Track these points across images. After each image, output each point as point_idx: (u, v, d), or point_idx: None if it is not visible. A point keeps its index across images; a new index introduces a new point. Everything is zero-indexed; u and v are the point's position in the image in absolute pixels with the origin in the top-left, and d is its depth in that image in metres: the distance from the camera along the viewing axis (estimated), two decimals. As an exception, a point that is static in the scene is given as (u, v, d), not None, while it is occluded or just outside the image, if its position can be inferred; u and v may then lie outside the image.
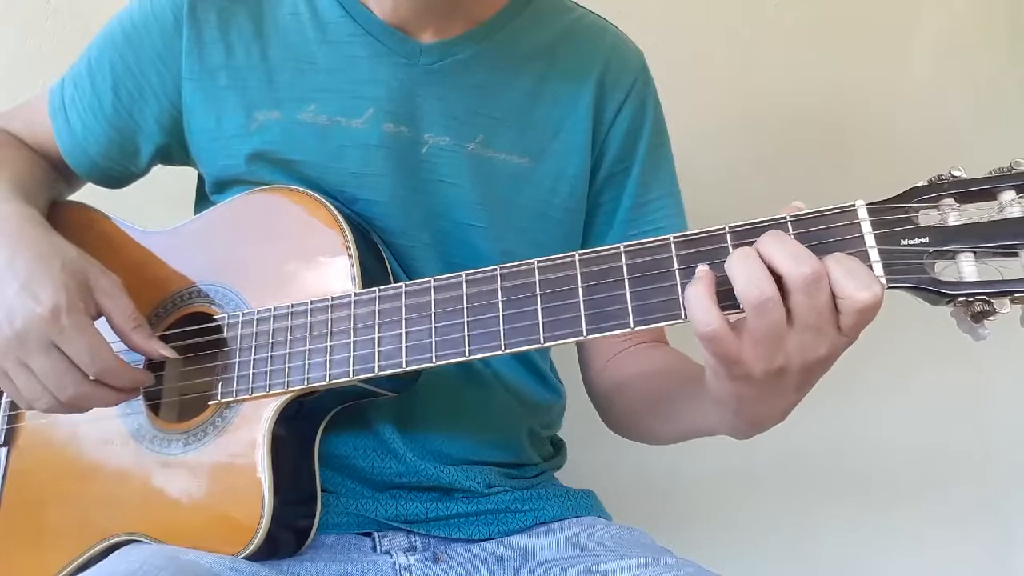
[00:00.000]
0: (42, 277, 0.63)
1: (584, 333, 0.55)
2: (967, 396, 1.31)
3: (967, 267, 0.49)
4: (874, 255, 0.50)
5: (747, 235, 0.52)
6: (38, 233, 0.68)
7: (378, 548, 0.71)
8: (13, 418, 0.76)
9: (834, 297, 0.49)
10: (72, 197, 0.87)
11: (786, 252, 0.49)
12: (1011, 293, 0.48)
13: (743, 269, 0.50)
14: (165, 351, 0.67)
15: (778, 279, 0.50)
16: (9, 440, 0.75)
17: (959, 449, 1.29)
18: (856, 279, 0.48)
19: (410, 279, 0.64)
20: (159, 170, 0.83)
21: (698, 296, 0.51)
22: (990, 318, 0.49)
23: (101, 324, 0.66)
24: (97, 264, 0.68)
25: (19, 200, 0.71)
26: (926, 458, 1.28)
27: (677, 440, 0.75)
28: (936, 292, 0.48)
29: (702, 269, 0.52)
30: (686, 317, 0.53)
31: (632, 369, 0.79)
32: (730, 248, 0.52)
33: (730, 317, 0.51)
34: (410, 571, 0.69)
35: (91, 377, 0.63)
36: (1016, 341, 1.22)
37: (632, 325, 0.54)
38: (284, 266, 0.68)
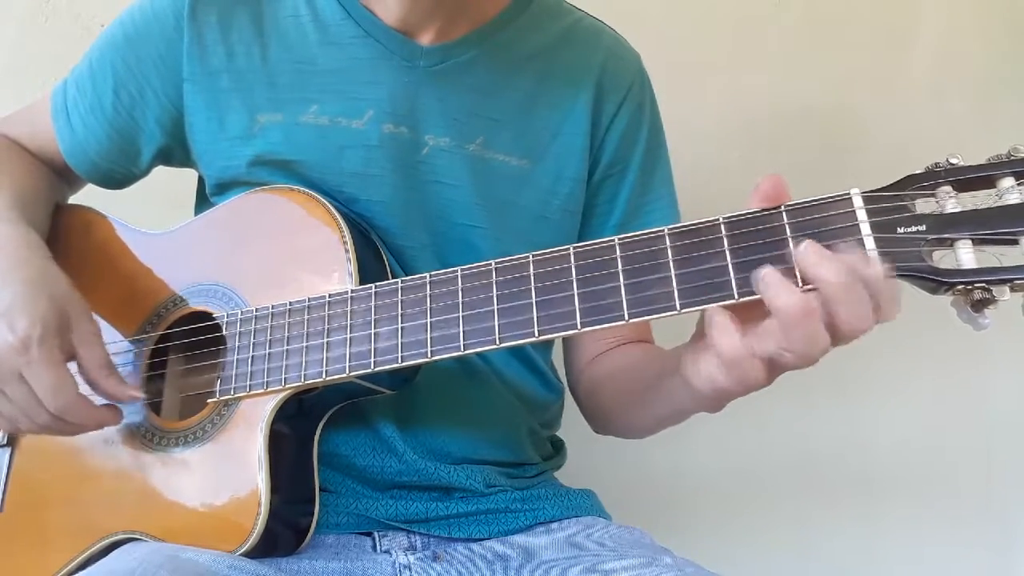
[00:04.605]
0: (23, 307, 0.63)
1: (579, 326, 0.55)
2: (969, 397, 1.30)
3: (965, 255, 0.48)
4: (870, 243, 0.49)
5: (741, 225, 0.52)
6: (34, 261, 0.68)
7: (378, 547, 0.71)
8: (14, 419, 0.76)
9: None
10: (73, 198, 0.87)
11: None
12: (1011, 280, 0.47)
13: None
14: (136, 394, 0.68)
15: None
16: (12, 441, 0.76)
17: (961, 450, 1.28)
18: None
19: (408, 278, 0.63)
20: (159, 171, 0.83)
21: (740, 351, 0.50)
22: (990, 307, 0.48)
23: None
24: (83, 305, 0.67)
25: (19, 220, 0.71)
26: (927, 458, 1.27)
27: (655, 428, 0.75)
28: (934, 280, 0.48)
29: (720, 313, 0.51)
30: (680, 309, 0.52)
31: (613, 366, 0.79)
32: (724, 239, 0.52)
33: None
34: (410, 570, 0.68)
35: (51, 412, 0.64)
36: (1018, 341, 1.22)
37: (627, 317, 0.53)
38: (283, 265, 0.68)
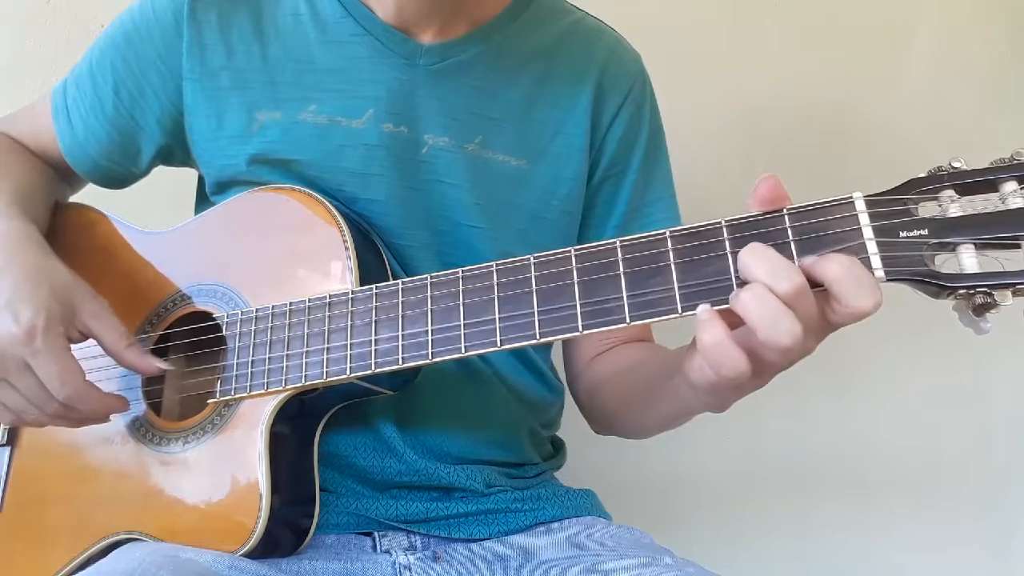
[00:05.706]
0: (25, 297, 0.63)
1: (580, 329, 0.54)
2: (966, 396, 1.30)
3: (967, 259, 0.48)
4: (872, 247, 0.49)
5: (743, 229, 0.52)
6: (33, 253, 0.68)
7: (378, 547, 0.71)
8: (14, 418, 0.76)
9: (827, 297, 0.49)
10: (74, 197, 0.87)
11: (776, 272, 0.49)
12: (1013, 285, 0.47)
13: (764, 312, 0.49)
14: (161, 364, 0.68)
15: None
16: (12, 440, 0.75)
17: (958, 449, 1.29)
18: (863, 289, 0.48)
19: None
20: (159, 171, 0.83)
21: (721, 342, 0.50)
22: (992, 311, 0.48)
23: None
24: (87, 288, 0.68)
25: (19, 216, 0.71)
26: (926, 458, 1.27)
27: (656, 428, 0.75)
28: (936, 284, 0.48)
29: (706, 311, 0.51)
30: (682, 312, 0.52)
31: (613, 366, 0.79)
32: (726, 243, 0.52)
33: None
34: (410, 570, 0.68)
35: (59, 400, 0.64)
36: (1015, 341, 1.22)
37: (628, 320, 0.53)
38: (283, 265, 0.68)
